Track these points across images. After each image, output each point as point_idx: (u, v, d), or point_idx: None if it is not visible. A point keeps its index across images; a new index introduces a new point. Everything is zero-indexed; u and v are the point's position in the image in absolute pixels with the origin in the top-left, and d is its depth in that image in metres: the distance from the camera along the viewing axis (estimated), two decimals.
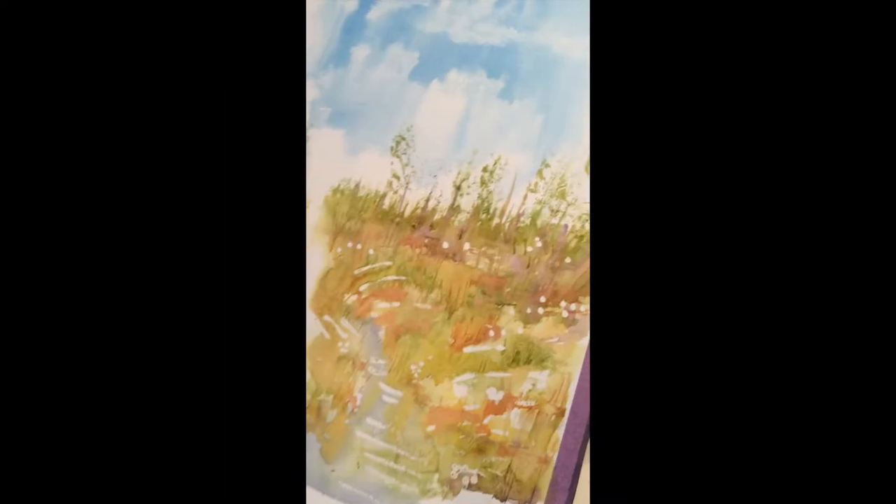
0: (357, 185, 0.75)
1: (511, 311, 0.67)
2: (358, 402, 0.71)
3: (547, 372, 0.65)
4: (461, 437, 0.67)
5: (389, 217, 0.73)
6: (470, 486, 0.66)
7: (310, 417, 0.73)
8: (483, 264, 0.69)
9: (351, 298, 0.73)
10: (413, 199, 0.73)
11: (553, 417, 0.64)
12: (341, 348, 0.73)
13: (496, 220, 0.69)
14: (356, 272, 0.74)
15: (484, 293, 0.68)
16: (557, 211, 0.67)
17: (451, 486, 0.66)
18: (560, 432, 0.64)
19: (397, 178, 0.74)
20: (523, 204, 0.68)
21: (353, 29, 0.80)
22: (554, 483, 0.63)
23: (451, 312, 0.69)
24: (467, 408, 0.67)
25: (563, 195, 0.67)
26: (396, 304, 0.71)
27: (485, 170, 0.70)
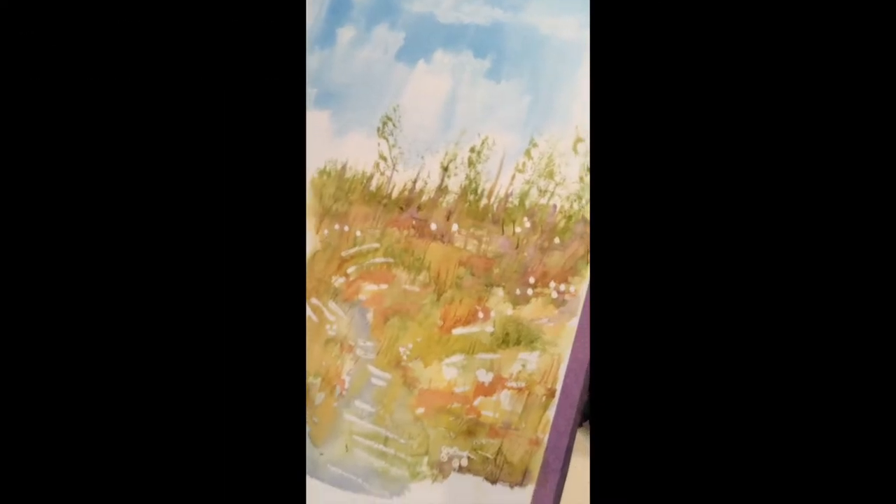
0: (344, 167, 0.74)
1: (500, 292, 0.67)
2: (346, 385, 0.70)
3: (537, 353, 0.65)
4: (451, 419, 0.66)
5: (377, 199, 0.73)
6: (460, 469, 0.65)
7: None
8: (471, 245, 0.68)
9: (338, 281, 0.73)
10: (400, 180, 0.72)
11: (543, 398, 0.64)
12: (329, 331, 0.72)
13: (484, 201, 0.69)
14: (343, 254, 0.73)
15: (472, 274, 0.68)
16: (546, 191, 0.66)
17: (441, 469, 0.66)
18: (551, 413, 0.64)
19: (384, 159, 0.73)
20: (511, 184, 0.68)
21: (338, 9, 0.79)
22: (545, 464, 0.63)
23: (439, 294, 0.69)
24: (457, 390, 0.66)
25: (551, 175, 0.66)
26: (384, 286, 0.71)
27: (472, 150, 0.69)
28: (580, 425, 0.78)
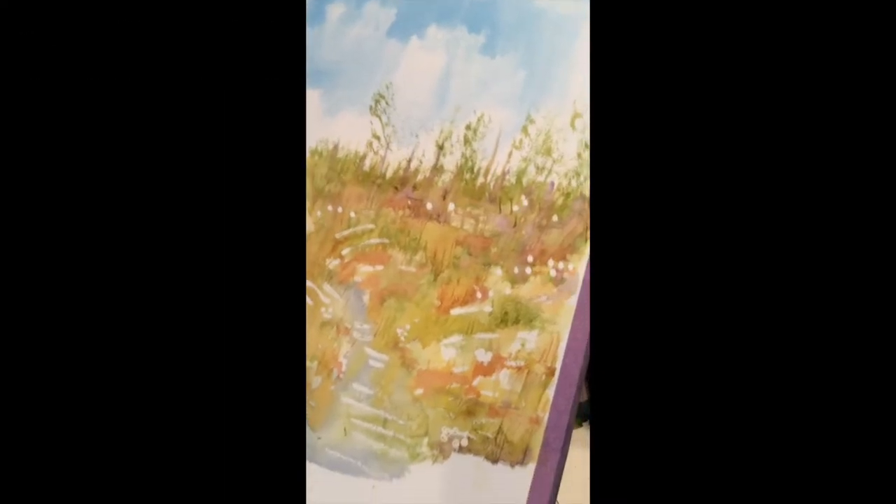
0: (336, 146, 0.73)
1: (498, 271, 0.66)
2: (343, 368, 0.70)
3: (536, 332, 0.64)
4: (450, 399, 0.66)
5: (370, 179, 0.71)
6: (460, 449, 0.65)
7: None
8: (468, 225, 0.67)
9: (333, 263, 0.72)
10: (394, 159, 0.71)
11: (543, 377, 0.64)
12: (324, 314, 0.71)
13: (481, 180, 0.68)
14: (337, 236, 0.72)
15: (470, 254, 0.67)
16: (543, 168, 0.65)
17: (441, 450, 0.66)
18: (550, 392, 0.63)
19: (377, 138, 0.72)
20: (508, 162, 0.67)
21: None
22: (546, 443, 0.63)
23: (436, 274, 0.68)
24: (456, 370, 0.66)
25: (548, 152, 0.65)
26: (380, 267, 0.70)
27: (468, 128, 0.68)
28: (579, 426, 0.78)
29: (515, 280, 0.65)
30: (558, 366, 0.63)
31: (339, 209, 0.72)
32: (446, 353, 0.66)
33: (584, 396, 0.79)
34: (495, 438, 0.64)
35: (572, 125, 0.65)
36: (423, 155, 0.70)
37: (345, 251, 0.72)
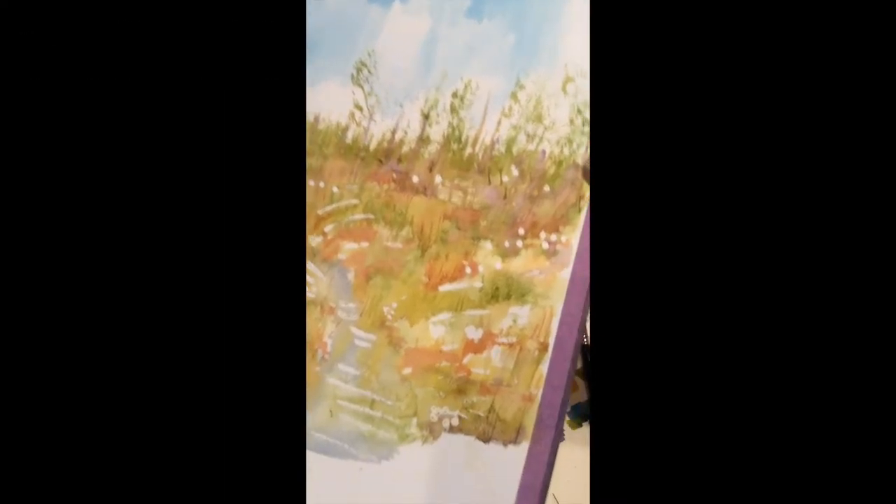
0: (316, 118, 0.70)
1: (488, 245, 0.64)
2: (328, 349, 0.67)
3: (528, 307, 0.62)
4: (440, 378, 0.63)
5: (353, 151, 0.68)
6: (451, 429, 0.63)
7: None
8: (456, 197, 0.65)
9: (315, 240, 0.69)
10: (378, 131, 0.68)
11: (536, 353, 0.61)
12: (307, 293, 0.68)
13: (469, 150, 0.65)
14: (319, 212, 0.69)
15: (458, 228, 0.65)
16: (534, 136, 0.63)
17: (431, 430, 0.64)
18: (544, 368, 0.61)
19: (360, 108, 0.68)
20: (497, 130, 0.64)
21: None
22: (539, 421, 0.61)
23: (423, 250, 0.65)
24: (445, 348, 0.64)
25: (539, 118, 0.63)
26: (365, 244, 0.67)
27: (454, 95, 0.65)
28: (579, 426, 0.77)
29: (506, 254, 0.63)
30: (552, 341, 0.61)
31: (321, 184, 0.69)
32: (435, 331, 0.64)
33: (584, 397, 0.78)
34: (487, 417, 0.62)
35: (564, 90, 0.62)
36: (408, 125, 0.67)
37: (328, 228, 0.69)
